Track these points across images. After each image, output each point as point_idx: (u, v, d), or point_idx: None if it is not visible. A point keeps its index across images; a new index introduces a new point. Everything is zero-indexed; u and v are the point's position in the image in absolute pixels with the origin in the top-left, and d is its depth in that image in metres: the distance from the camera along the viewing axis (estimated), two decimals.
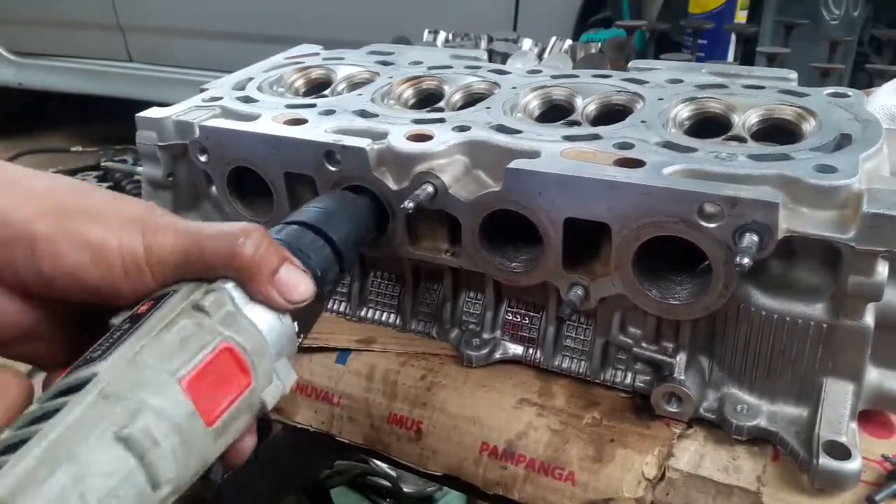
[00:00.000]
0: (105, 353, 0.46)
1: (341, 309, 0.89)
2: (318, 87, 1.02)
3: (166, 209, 0.55)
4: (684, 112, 0.81)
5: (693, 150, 0.70)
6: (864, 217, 0.58)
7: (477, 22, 2.09)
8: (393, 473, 1.73)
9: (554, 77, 0.92)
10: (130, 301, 0.51)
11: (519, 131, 0.77)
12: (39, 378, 0.56)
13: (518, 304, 0.81)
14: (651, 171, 0.65)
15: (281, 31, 2.99)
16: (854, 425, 0.64)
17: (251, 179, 0.84)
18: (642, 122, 0.77)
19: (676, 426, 0.70)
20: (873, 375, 0.67)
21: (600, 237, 0.70)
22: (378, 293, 0.88)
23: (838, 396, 0.65)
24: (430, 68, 0.99)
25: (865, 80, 1.55)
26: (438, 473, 0.75)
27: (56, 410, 0.42)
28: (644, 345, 0.73)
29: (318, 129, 0.80)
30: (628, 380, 0.75)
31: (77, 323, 0.54)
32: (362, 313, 0.88)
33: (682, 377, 0.70)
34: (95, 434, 0.41)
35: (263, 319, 0.52)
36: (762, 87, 0.84)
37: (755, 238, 0.59)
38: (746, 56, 1.59)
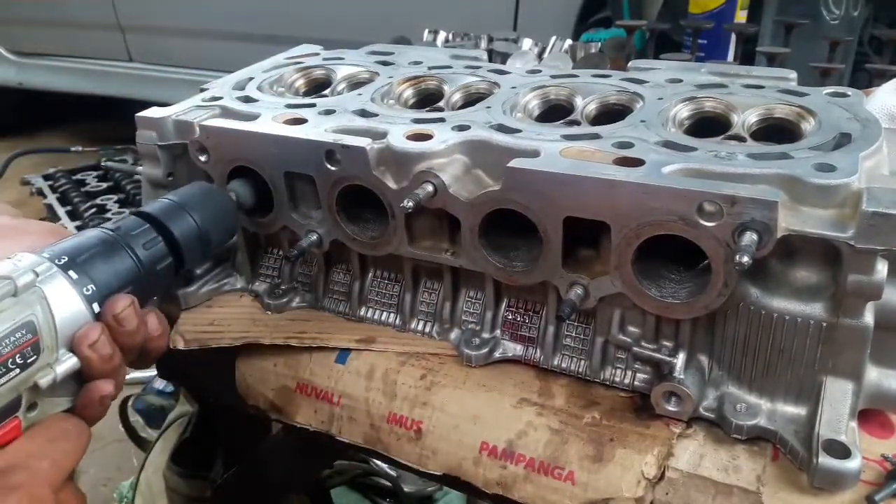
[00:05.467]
0: None
1: (341, 309, 0.90)
2: (318, 87, 1.02)
3: None
4: (684, 111, 0.81)
5: (692, 149, 0.70)
6: (864, 215, 0.58)
7: (477, 22, 2.09)
8: (393, 473, 1.73)
9: (554, 77, 0.92)
10: None
11: (518, 131, 0.77)
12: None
13: (518, 304, 0.81)
14: (650, 170, 0.66)
15: (281, 31, 2.99)
16: (854, 424, 0.64)
17: (252, 179, 0.84)
18: (642, 121, 0.77)
19: (676, 425, 0.70)
20: (873, 374, 0.67)
21: (600, 236, 0.70)
22: (378, 293, 0.88)
23: (838, 395, 0.65)
24: (430, 68, 0.99)
25: (865, 80, 1.55)
26: (438, 473, 0.75)
27: None
28: (643, 344, 0.73)
29: (318, 129, 0.80)
30: (628, 379, 0.75)
31: None
32: (362, 313, 0.88)
33: (682, 376, 0.70)
34: None
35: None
36: (762, 87, 0.84)
37: (754, 237, 0.59)
38: (746, 56, 1.59)
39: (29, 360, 0.57)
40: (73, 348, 0.60)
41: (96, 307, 0.62)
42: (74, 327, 0.60)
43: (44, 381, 0.57)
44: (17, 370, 0.56)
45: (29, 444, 0.58)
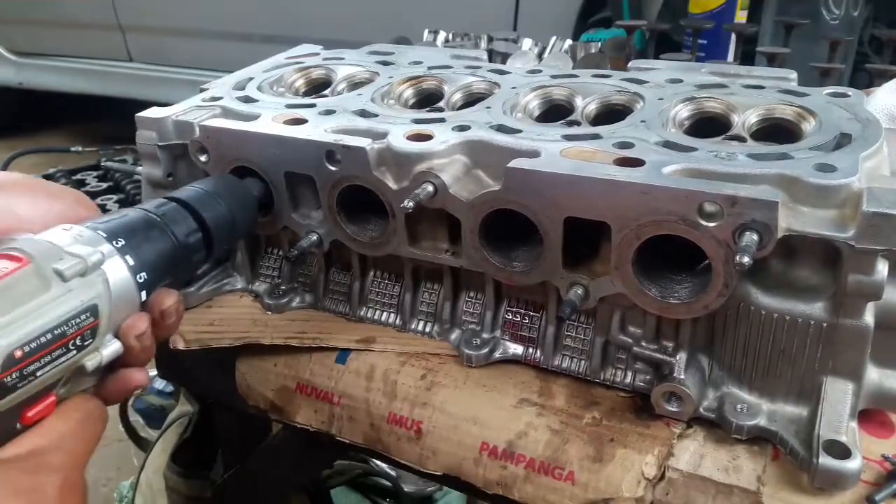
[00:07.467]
0: None
1: (341, 309, 0.90)
2: (318, 87, 1.02)
3: None
4: (684, 112, 0.81)
5: (693, 149, 0.70)
6: (864, 216, 0.58)
7: (477, 22, 2.09)
8: (393, 473, 1.73)
9: (554, 77, 0.92)
10: None
11: (519, 131, 0.77)
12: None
13: (518, 304, 0.81)
14: (651, 171, 0.66)
15: (281, 31, 3.00)
16: (854, 424, 0.64)
17: (251, 179, 0.84)
18: (642, 121, 0.77)
19: (676, 426, 0.70)
20: (873, 375, 0.67)
21: (600, 236, 0.70)
22: (378, 293, 0.88)
23: (838, 396, 0.65)
24: (430, 68, 0.99)
25: (865, 80, 1.55)
26: (438, 473, 0.75)
27: None
28: (644, 344, 0.73)
29: (318, 129, 0.80)
30: (628, 379, 0.75)
31: None
32: (362, 313, 0.88)
33: (682, 376, 0.70)
34: None
35: None
36: (762, 87, 0.84)
37: (755, 237, 0.59)
38: (746, 56, 1.59)
39: (86, 343, 0.56)
40: (119, 335, 0.60)
41: (143, 295, 0.62)
42: (125, 314, 0.60)
43: (90, 363, 0.57)
44: (74, 352, 0.55)
45: (63, 423, 0.56)
